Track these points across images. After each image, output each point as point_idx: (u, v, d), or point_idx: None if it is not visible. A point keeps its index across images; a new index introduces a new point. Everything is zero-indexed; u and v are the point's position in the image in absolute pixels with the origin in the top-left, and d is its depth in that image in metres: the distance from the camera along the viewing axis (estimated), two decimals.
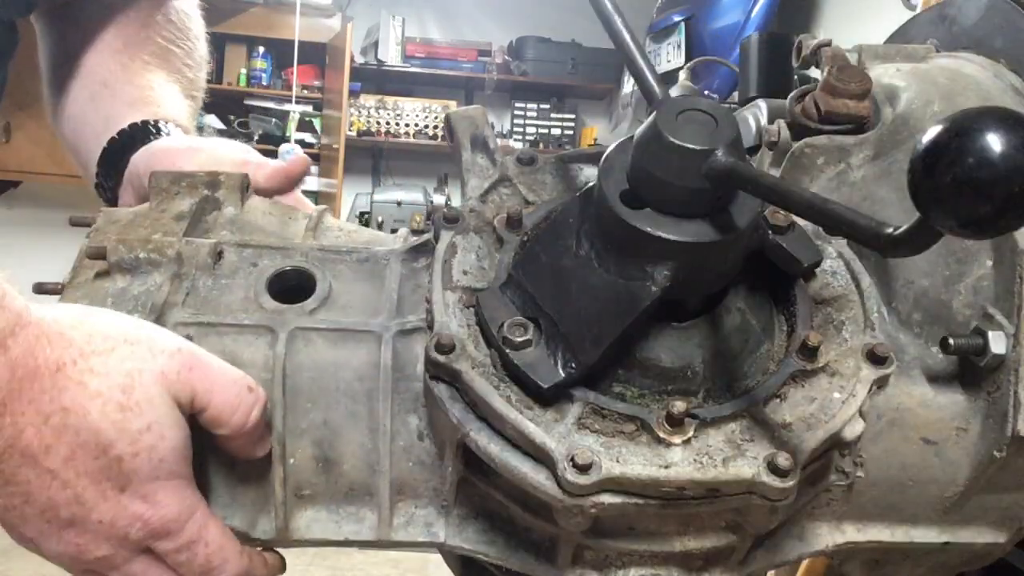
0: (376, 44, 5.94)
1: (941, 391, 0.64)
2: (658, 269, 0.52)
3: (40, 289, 0.68)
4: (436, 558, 0.71)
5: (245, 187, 0.73)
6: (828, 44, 0.74)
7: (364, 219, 5.58)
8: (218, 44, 5.41)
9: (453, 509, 0.63)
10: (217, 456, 0.61)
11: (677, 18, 4.56)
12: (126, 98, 0.93)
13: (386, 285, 0.67)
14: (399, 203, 5.71)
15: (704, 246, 0.52)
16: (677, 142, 0.50)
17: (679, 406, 0.53)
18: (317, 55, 5.86)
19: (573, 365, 0.54)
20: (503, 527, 0.62)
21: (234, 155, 0.83)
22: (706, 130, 0.51)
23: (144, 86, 0.95)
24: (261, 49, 5.84)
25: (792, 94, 0.75)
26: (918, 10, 0.92)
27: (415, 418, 0.62)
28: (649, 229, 0.52)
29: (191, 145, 0.85)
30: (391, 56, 5.94)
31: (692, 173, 0.50)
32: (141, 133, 0.88)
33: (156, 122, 0.89)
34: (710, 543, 0.57)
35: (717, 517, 0.56)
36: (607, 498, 0.52)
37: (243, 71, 5.82)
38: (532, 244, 0.61)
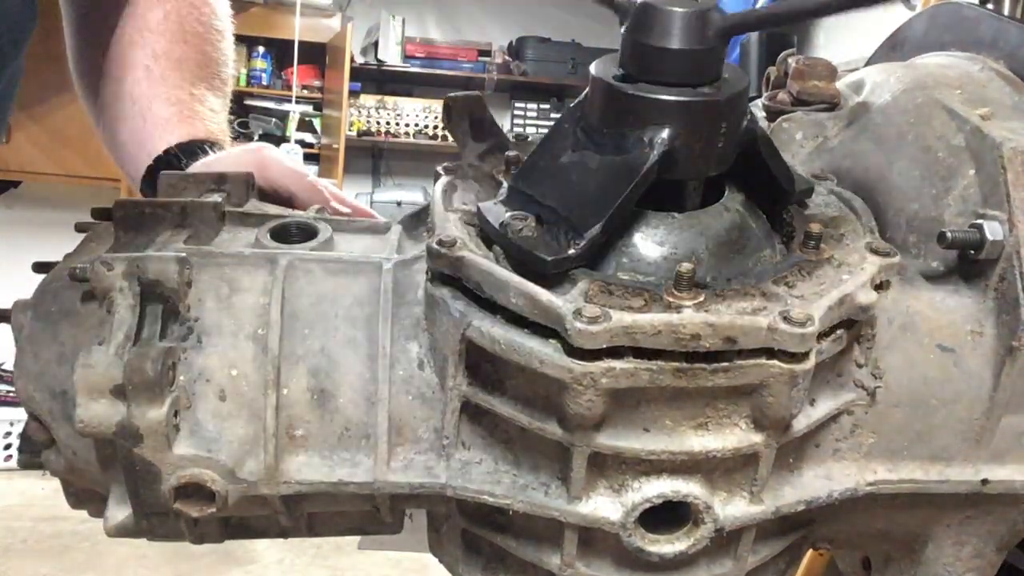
0: (376, 44, 5.94)
1: (949, 295, 0.64)
2: (654, 135, 0.55)
3: (40, 268, 0.67)
4: (436, 559, 0.70)
5: (251, 185, 0.75)
6: (791, 54, 0.82)
7: None
8: None
9: (455, 452, 0.61)
10: (206, 387, 0.60)
11: None
12: (165, 116, 1.01)
13: (388, 239, 0.70)
14: (399, 203, 5.70)
15: (696, 106, 0.55)
16: (669, 7, 0.55)
17: (686, 266, 0.53)
18: (317, 55, 5.86)
19: (577, 241, 0.55)
20: (509, 466, 0.60)
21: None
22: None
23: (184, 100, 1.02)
24: (261, 49, 5.83)
25: (766, 93, 0.82)
26: (917, 10, 0.92)
27: (415, 345, 0.61)
28: (644, 93, 0.56)
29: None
30: (391, 56, 5.94)
31: (684, 34, 0.55)
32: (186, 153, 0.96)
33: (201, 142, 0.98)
34: (730, 443, 0.55)
35: (735, 408, 0.55)
36: (618, 363, 0.51)
37: (243, 71, 5.82)
38: (530, 157, 0.62)
